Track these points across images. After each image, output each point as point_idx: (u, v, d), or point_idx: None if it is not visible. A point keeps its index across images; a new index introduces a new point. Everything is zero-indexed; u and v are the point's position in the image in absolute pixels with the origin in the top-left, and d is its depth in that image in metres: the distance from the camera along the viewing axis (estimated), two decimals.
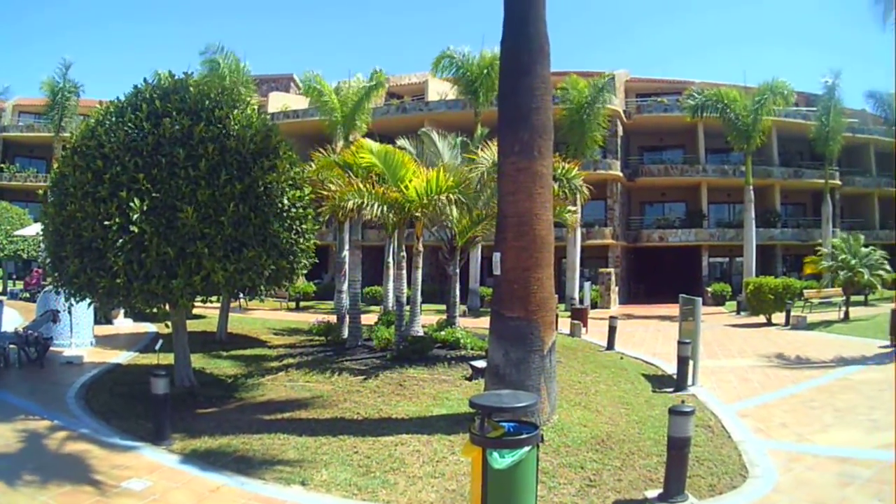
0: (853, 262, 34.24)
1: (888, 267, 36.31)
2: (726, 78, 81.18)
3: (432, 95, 57.14)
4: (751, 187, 46.51)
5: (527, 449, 6.66)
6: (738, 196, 50.59)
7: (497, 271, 12.69)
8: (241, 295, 15.42)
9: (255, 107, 16.35)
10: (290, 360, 18.90)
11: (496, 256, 12.74)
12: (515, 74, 12.75)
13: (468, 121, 41.71)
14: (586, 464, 9.94)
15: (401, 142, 24.86)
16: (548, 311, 12.61)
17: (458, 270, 23.86)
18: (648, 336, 28.66)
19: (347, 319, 22.16)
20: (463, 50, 40.95)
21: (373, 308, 34.68)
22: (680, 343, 16.87)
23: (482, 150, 20.75)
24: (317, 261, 17.33)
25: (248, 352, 21.27)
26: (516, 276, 12.36)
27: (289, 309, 41.76)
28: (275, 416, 12.80)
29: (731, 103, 44.39)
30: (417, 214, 19.35)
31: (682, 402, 13.92)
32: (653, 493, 8.86)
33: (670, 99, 56.44)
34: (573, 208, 24.97)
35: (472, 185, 20.08)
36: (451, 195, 18.62)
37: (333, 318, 24.76)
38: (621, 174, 53.46)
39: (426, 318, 25.03)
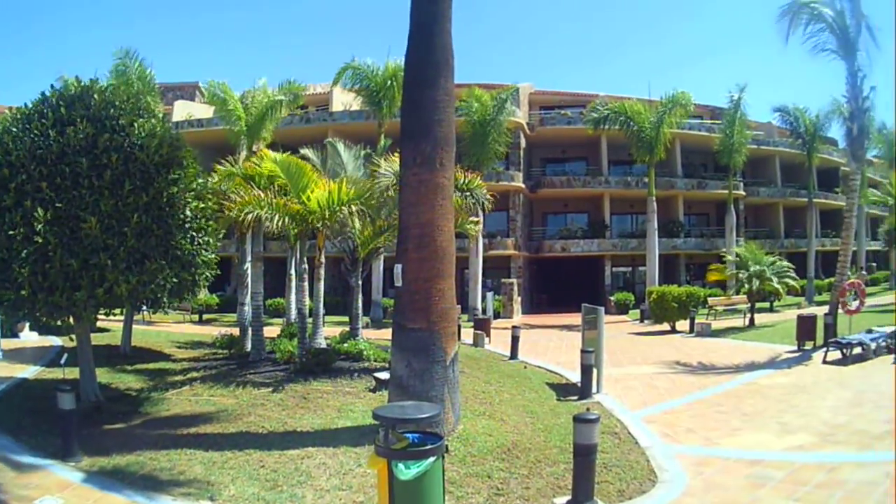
0: (761, 269, 34.85)
1: (794, 275, 37.08)
2: (631, 91, 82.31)
3: (337, 106, 56.95)
4: (653, 198, 47.13)
5: (432, 459, 6.67)
6: (641, 207, 51.16)
7: (398, 283, 12.64)
8: (145, 307, 15.23)
9: (161, 116, 16.17)
10: (195, 374, 18.61)
11: (397, 268, 12.71)
12: (419, 86, 12.76)
13: (372, 132, 41.70)
14: (493, 473, 9.97)
15: (305, 151, 24.77)
16: (449, 322, 12.58)
17: (360, 282, 23.82)
18: (552, 345, 28.88)
19: (250, 332, 21.98)
20: (367, 61, 40.80)
21: (276, 321, 34.47)
22: (583, 352, 17.07)
23: (385, 161, 20.77)
24: (219, 272, 17.17)
25: (152, 365, 20.89)
26: (418, 287, 12.32)
27: (192, 322, 41.18)
28: (181, 432, 12.59)
29: (634, 116, 44.96)
30: (318, 226, 19.22)
31: (588, 409, 14.11)
32: (561, 500, 8.94)
33: (574, 111, 57.07)
34: (475, 219, 25.04)
35: (374, 197, 20.02)
36: (352, 206, 18.55)
37: (236, 331, 24.55)
38: (524, 185, 53.90)
39: (330, 330, 24.99)
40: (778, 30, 27.56)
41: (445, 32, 12.82)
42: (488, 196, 23.51)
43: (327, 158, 24.92)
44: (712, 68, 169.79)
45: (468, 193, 22.31)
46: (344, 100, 55.40)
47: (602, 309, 18.66)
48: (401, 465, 6.53)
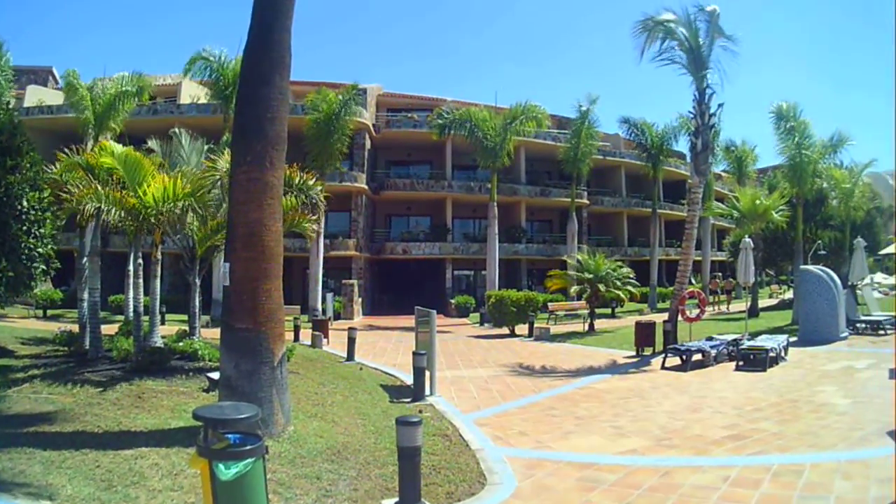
0: (601, 276, 35.52)
1: (634, 282, 37.89)
2: (480, 97, 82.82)
3: (185, 98, 56.03)
4: (495, 203, 47.59)
5: (251, 460, 6.68)
6: (483, 211, 51.80)
7: (226, 282, 12.53)
8: None
9: (7, 102, 15.73)
10: (36, 371, 17.85)
11: (225, 266, 12.58)
12: (255, 83, 12.69)
13: (219, 126, 41.01)
14: (322, 474, 9.94)
15: (151, 143, 24.31)
16: (276, 323, 12.50)
17: (198, 280, 23.46)
18: (390, 347, 29.01)
19: (88, 329, 21.54)
20: (217, 52, 40.26)
21: (120, 317, 33.84)
22: (415, 354, 17.18)
23: (221, 157, 20.52)
24: (59, 266, 16.76)
25: None
26: (245, 287, 12.22)
27: (37, 317, 39.98)
28: (22, 430, 12.12)
29: (479, 123, 45.49)
30: (154, 221, 18.86)
31: (420, 411, 14.51)
32: (389, 502, 8.96)
33: (421, 115, 57.93)
34: (313, 217, 24.97)
35: (210, 193, 19.75)
36: (187, 203, 18.27)
37: (76, 328, 24.03)
38: (367, 187, 54.17)
39: (169, 329, 24.82)
40: (634, 45, 28.26)
41: (285, 30, 12.78)
42: (321, 197, 23.32)
43: (172, 151, 24.51)
44: (562, 78, 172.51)
45: (303, 193, 22.17)
46: (193, 92, 54.84)
47: (434, 312, 18.74)
48: (221, 466, 6.52)
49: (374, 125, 57.09)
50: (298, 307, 38.48)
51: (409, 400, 16.64)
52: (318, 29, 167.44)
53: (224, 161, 19.51)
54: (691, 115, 29.22)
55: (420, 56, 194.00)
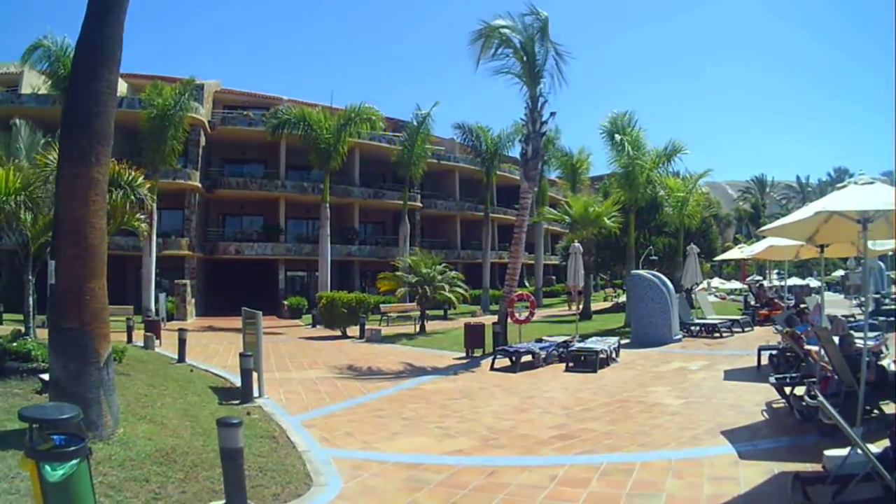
0: (431, 278, 35.68)
1: (463, 285, 38.16)
2: (318, 97, 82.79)
3: (27, 88, 53.82)
4: (328, 205, 47.97)
5: (76, 461, 6.47)
6: (317, 212, 51.64)
7: (52, 280, 12.12)
8: None
9: None
10: None
11: (51, 265, 12.20)
12: (84, 77, 12.20)
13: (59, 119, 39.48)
14: (151, 477, 9.65)
15: None
16: (102, 323, 12.00)
17: (32, 278, 22.76)
18: (221, 348, 28.77)
19: None
20: (59, 39, 38.22)
21: None
22: (242, 356, 16.98)
23: (54, 151, 19.99)
24: None
25: None
26: (70, 286, 11.73)
27: None
28: None
29: (314, 123, 45.55)
30: None
31: (248, 413, 14.32)
32: None
33: (257, 113, 57.66)
34: (142, 216, 24.45)
35: (44, 188, 19.10)
36: (20, 198, 17.68)
37: None
38: (200, 185, 53.63)
39: (6, 328, 24.07)
40: (471, 53, 28.26)
41: (118, 24, 12.32)
42: (148, 194, 22.85)
43: (11, 142, 23.79)
44: (401, 80, 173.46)
45: (131, 190, 21.67)
46: (35, 82, 51.90)
47: (260, 313, 18.57)
48: (48, 467, 6.29)
49: (209, 122, 56.54)
50: (132, 307, 37.83)
51: (237, 402, 16.41)
52: (161, 21, 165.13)
53: (52, 156, 19.02)
54: (523, 122, 29.39)
55: (261, 54, 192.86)
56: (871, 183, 11.12)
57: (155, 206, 24.99)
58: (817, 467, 9.60)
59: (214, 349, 28.49)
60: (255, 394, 16.90)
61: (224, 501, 8.65)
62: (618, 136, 38.91)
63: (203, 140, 55.32)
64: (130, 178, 21.58)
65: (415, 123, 52.36)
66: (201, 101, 52.75)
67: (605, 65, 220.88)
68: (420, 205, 64.80)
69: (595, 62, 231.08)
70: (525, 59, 28.13)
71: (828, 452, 9.29)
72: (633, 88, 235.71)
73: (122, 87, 50.17)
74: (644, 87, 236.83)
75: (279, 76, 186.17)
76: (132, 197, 21.84)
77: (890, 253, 40.63)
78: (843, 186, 11.85)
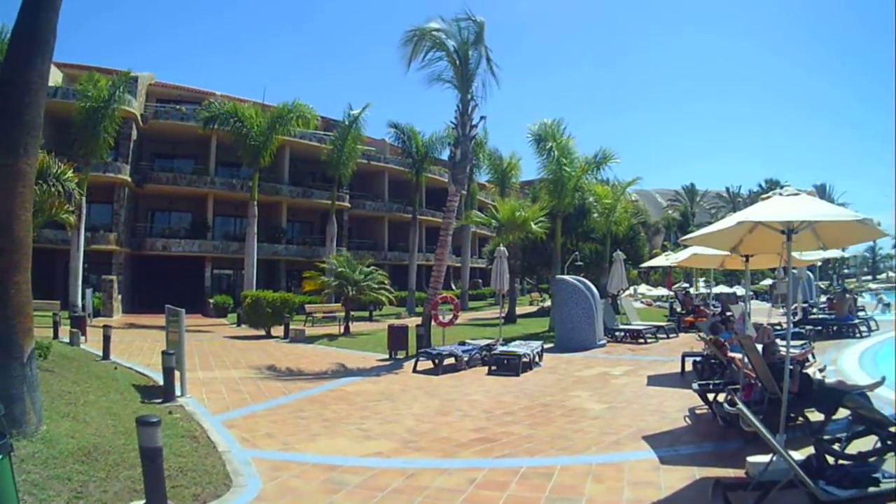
0: (355, 279, 35.75)
1: (388, 287, 38.33)
2: (252, 94, 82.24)
3: None
4: (255, 202, 47.48)
5: None
6: (245, 210, 51.12)
7: None
8: None
9: None
10: None
11: None
12: (17, 66, 12.00)
13: None
14: (73, 475, 9.56)
15: None
16: (25, 317, 11.75)
17: None
18: (146, 346, 28.44)
19: None
20: None
21: None
22: (164, 354, 16.90)
23: None
24: None
25: None
26: None
27: None
28: None
29: (245, 119, 45.15)
30: None
31: (170, 412, 14.25)
32: None
33: (189, 107, 57.00)
34: (71, 209, 24.09)
35: None
36: None
37: None
38: (130, 179, 53.21)
39: None
40: (401, 55, 28.31)
41: (52, 10, 12.13)
42: (76, 187, 22.60)
43: None
44: (334, 80, 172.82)
45: (59, 182, 21.44)
46: None
47: (183, 311, 18.44)
48: None
49: (142, 115, 56.02)
50: (59, 303, 37.03)
51: (160, 401, 16.30)
52: (95, 11, 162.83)
53: None
54: (453, 126, 29.50)
55: (195, 47, 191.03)
56: (797, 194, 11.28)
57: (84, 199, 24.55)
58: (740, 473, 9.80)
59: (139, 346, 28.21)
60: (178, 393, 16.81)
61: (144, 501, 8.65)
62: (546, 143, 39.06)
63: (135, 133, 54.80)
64: (59, 170, 21.34)
65: (346, 122, 52.15)
66: (135, 94, 52.26)
67: (538, 69, 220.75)
68: (349, 205, 64.84)
69: (530, 68, 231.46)
70: (458, 63, 28.19)
71: (750, 459, 9.54)
72: (567, 93, 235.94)
73: (56, 77, 49.72)
74: (578, 91, 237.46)
75: (212, 70, 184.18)
76: (61, 189, 21.62)
77: (818, 263, 41.52)
78: (769, 197, 12.00)
